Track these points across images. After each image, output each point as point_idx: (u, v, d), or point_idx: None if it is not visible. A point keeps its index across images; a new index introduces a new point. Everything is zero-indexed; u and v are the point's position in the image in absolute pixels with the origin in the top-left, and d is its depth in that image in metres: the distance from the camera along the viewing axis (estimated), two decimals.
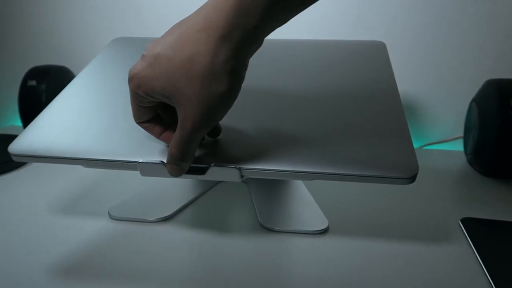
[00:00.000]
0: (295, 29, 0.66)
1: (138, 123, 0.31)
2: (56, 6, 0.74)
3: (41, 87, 0.64)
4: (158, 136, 0.31)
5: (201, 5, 0.26)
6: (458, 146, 0.65)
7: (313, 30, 0.66)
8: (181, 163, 0.29)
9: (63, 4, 0.74)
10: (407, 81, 0.66)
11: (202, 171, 0.31)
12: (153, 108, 0.30)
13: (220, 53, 0.24)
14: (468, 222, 0.40)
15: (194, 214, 0.43)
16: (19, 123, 0.84)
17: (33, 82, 0.65)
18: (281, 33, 0.67)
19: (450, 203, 0.46)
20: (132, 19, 0.71)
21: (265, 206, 0.43)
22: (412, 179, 0.29)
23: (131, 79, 0.27)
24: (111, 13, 0.72)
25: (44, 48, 0.78)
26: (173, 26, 0.27)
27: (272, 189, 0.47)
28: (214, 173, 0.31)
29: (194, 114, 0.26)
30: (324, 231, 0.40)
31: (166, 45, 0.26)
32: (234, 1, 0.23)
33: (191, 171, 0.31)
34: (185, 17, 0.28)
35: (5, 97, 0.83)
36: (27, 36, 0.78)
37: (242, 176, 0.31)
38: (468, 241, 0.38)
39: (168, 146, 0.32)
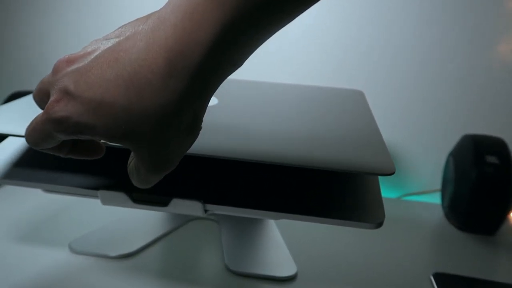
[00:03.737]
0: (278, 73, 0.68)
1: (38, 149, 0.25)
2: (45, 32, 0.76)
3: None
4: (65, 155, 0.27)
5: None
6: (436, 199, 0.64)
7: (296, 75, 0.67)
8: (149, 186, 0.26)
9: (52, 30, 0.75)
10: (387, 131, 0.66)
11: (165, 203, 0.30)
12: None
13: (191, 106, 0.21)
14: (440, 278, 0.39)
15: (159, 252, 0.41)
16: None
17: None
18: (262, 76, 0.68)
19: (424, 256, 0.45)
20: None
21: (234, 247, 0.42)
22: (378, 225, 0.28)
23: (57, 123, 0.22)
24: None
25: (29, 74, 0.78)
26: (104, 52, 0.22)
27: (243, 229, 0.45)
28: (177, 205, 0.30)
29: (161, 165, 0.23)
30: (291, 278, 0.38)
31: (112, 88, 0.21)
32: (212, 39, 0.19)
33: (154, 202, 0.30)
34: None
35: None
36: (14, 61, 0.78)
37: (206, 211, 0.30)
38: None
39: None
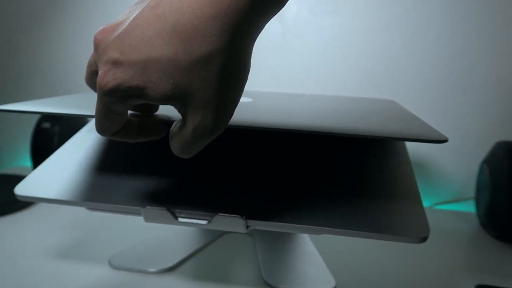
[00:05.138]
0: (302, 83, 0.68)
1: (110, 136, 0.26)
2: (77, 51, 0.78)
3: (53, 130, 0.65)
4: (134, 140, 0.27)
5: None
6: (468, 206, 0.63)
7: (321, 86, 0.67)
8: (189, 155, 0.25)
9: (85, 50, 0.77)
10: None
11: (207, 220, 0.31)
12: (126, 111, 0.24)
13: (238, 45, 0.20)
14: None
15: (196, 266, 0.42)
16: (29, 163, 0.85)
17: (46, 125, 0.66)
18: (287, 88, 0.68)
19: (463, 268, 0.44)
20: None
21: (270, 261, 0.42)
22: (422, 239, 0.28)
23: (110, 94, 0.22)
24: None
25: (63, 93, 0.80)
26: (141, 12, 0.21)
27: (278, 243, 0.46)
28: (219, 222, 0.30)
29: (213, 119, 0.22)
30: None
31: (157, 43, 0.20)
32: None
33: (196, 218, 0.31)
34: None
35: (19, 138, 0.85)
36: (48, 80, 0.81)
37: (247, 227, 0.31)
38: None
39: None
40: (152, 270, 0.40)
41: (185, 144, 0.23)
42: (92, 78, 0.25)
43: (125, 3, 0.73)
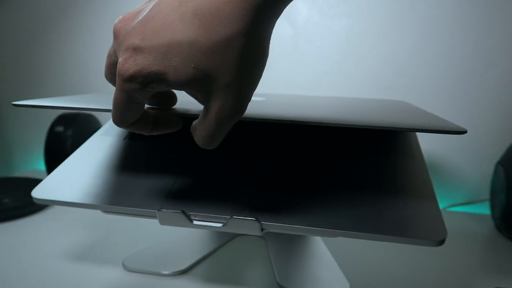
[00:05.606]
0: (314, 87, 0.68)
1: (126, 126, 0.25)
2: (90, 57, 0.79)
3: (67, 134, 0.66)
4: (149, 132, 0.27)
5: None
6: (483, 209, 0.62)
7: (333, 88, 0.67)
8: (213, 144, 0.25)
9: (97, 55, 0.78)
10: (429, 141, 0.65)
11: (222, 223, 0.31)
12: (144, 101, 0.24)
13: (258, 28, 0.20)
14: None
15: (210, 268, 0.42)
16: (42, 167, 0.86)
17: (60, 128, 0.67)
18: (299, 89, 0.68)
19: (480, 271, 0.43)
20: None
21: (283, 264, 0.42)
22: (440, 242, 0.28)
23: (130, 80, 0.22)
24: None
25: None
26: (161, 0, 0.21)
27: (290, 245, 0.45)
28: (234, 224, 0.30)
29: (234, 101, 0.22)
30: None
31: (178, 27, 0.20)
32: None
33: (211, 221, 0.31)
34: None
35: (33, 141, 0.86)
36: (60, 84, 0.82)
37: (262, 230, 0.30)
38: None
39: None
40: (165, 272, 0.40)
41: (210, 130, 0.23)
42: (111, 70, 0.25)
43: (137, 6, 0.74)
